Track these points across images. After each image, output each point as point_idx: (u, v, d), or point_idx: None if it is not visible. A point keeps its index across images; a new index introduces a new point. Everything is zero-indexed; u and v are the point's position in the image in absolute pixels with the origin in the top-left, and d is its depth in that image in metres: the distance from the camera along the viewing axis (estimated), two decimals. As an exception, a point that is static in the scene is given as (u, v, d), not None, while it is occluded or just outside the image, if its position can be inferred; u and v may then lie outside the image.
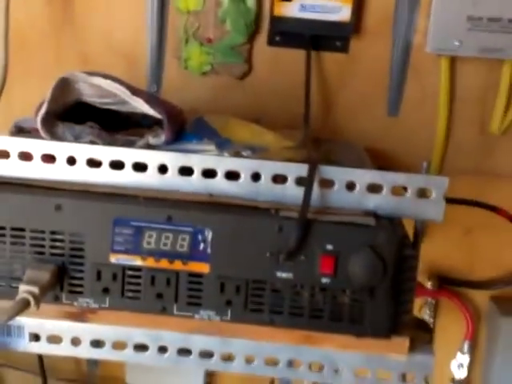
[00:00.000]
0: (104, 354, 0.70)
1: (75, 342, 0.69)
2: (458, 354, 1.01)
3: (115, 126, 0.71)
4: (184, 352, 0.69)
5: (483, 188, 0.95)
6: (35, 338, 0.70)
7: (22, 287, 0.62)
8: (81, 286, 0.65)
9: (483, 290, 1.00)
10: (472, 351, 1.01)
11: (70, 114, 0.67)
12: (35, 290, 0.62)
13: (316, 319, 0.65)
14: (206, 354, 0.69)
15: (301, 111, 0.89)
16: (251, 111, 0.95)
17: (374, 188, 0.64)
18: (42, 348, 0.70)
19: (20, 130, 0.68)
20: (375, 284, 0.63)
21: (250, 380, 1.01)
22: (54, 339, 0.70)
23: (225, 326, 0.66)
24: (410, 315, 0.65)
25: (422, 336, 0.70)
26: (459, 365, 1.01)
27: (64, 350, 0.70)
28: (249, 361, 0.68)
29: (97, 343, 0.69)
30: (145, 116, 0.69)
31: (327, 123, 0.97)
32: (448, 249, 1.00)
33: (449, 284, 1.01)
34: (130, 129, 0.72)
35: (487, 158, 0.95)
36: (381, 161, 0.90)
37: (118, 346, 0.69)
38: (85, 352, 0.70)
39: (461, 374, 1.01)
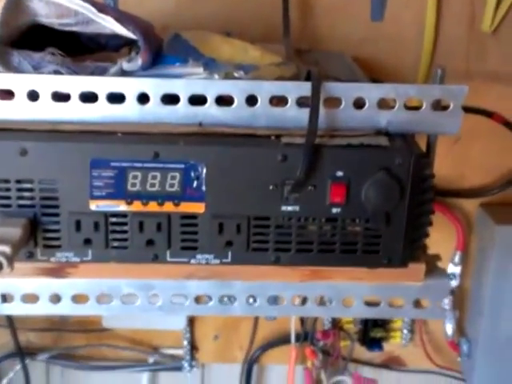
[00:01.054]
0: (88, 310, 0.62)
1: (54, 299, 0.62)
2: (450, 265, 0.98)
3: (77, 50, 0.61)
4: (178, 299, 0.62)
5: (475, 92, 0.88)
6: (7, 298, 0.61)
7: (-8, 248, 0.53)
8: (58, 239, 0.57)
9: (475, 198, 0.96)
10: (463, 262, 0.98)
11: (24, 39, 0.56)
12: (6, 249, 0.53)
13: (326, 253, 0.59)
14: (203, 299, 0.63)
15: (276, 21, 0.79)
16: (220, 23, 0.85)
17: (384, 103, 0.57)
18: (15, 309, 0.62)
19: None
20: (391, 210, 0.56)
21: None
22: (30, 298, 0.62)
23: (225, 269, 0.59)
24: (426, 239, 0.60)
25: (432, 258, 0.65)
26: (451, 275, 0.98)
27: (42, 309, 0.62)
28: (250, 302, 0.62)
29: (79, 298, 0.62)
30: (111, 37, 0.59)
31: (306, 32, 0.88)
32: (437, 159, 0.94)
33: (438, 195, 0.96)
34: (94, 53, 0.62)
35: (479, 60, 0.88)
36: (367, 70, 0.82)
37: (104, 299, 0.62)
38: (66, 309, 0.62)
39: (453, 284, 0.99)
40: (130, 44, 0.61)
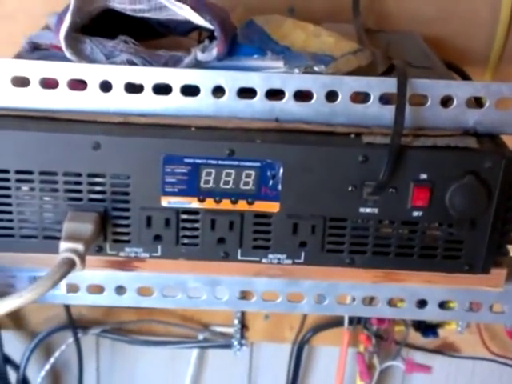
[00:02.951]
0: (153, 303, 0.61)
1: (119, 291, 0.61)
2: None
3: (146, 35, 0.59)
4: (245, 294, 0.61)
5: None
6: (72, 289, 0.61)
7: (64, 245, 0.52)
8: (127, 234, 0.56)
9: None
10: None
11: (94, 25, 0.54)
12: (79, 246, 0.52)
13: (403, 257, 0.56)
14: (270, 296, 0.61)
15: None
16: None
17: (472, 102, 0.54)
18: (80, 299, 0.61)
19: (35, 47, 0.55)
20: (477, 216, 0.54)
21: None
22: (95, 289, 0.61)
23: (296, 269, 0.57)
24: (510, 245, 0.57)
25: None
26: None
27: (106, 300, 0.61)
28: (319, 301, 0.61)
29: (144, 291, 0.61)
30: (182, 22, 0.56)
31: (373, 9, 0.83)
32: None
33: None
34: (163, 37, 0.59)
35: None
36: (436, 51, 0.78)
37: (169, 293, 0.61)
38: (131, 301, 0.61)
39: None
40: (199, 28, 0.58)
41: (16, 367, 0.98)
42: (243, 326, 1.04)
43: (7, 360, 0.97)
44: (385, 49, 0.70)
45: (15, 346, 1.01)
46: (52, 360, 1.00)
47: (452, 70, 0.73)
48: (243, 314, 1.03)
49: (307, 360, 1.06)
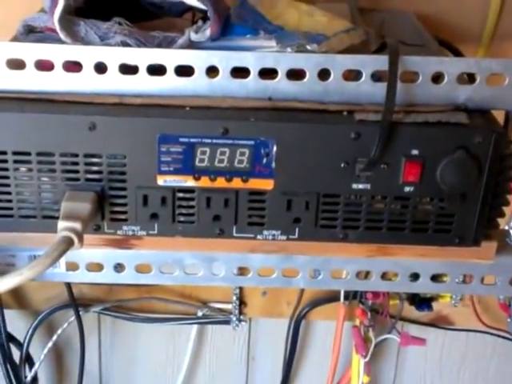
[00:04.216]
0: (151, 279, 0.63)
1: (118, 268, 0.62)
2: None
3: (139, 16, 0.59)
4: (241, 271, 0.62)
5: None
6: (72, 267, 0.62)
7: (62, 224, 0.53)
8: (125, 212, 0.57)
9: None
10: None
11: (89, 8, 0.54)
12: (77, 225, 0.53)
13: (395, 231, 0.57)
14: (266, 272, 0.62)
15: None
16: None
17: (463, 78, 0.54)
18: (80, 277, 0.63)
19: (30, 30, 0.56)
20: (468, 190, 0.55)
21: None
22: (94, 267, 0.62)
23: (291, 244, 0.59)
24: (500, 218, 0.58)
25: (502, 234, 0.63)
26: None
27: (106, 277, 0.63)
28: (314, 276, 0.62)
29: (142, 268, 0.62)
30: (175, 3, 0.57)
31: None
32: None
33: None
34: (157, 18, 0.60)
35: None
36: (430, 29, 0.79)
37: (167, 269, 0.62)
38: (129, 278, 0.62)
39: None
40: (192, 9, 0.59)
41: (19, 345, 0.99)
42: (241, 303, 1.05)
43: (11, 338, 0.98)
44: (378, 28, 0.70)
45: (18, 324, 1.02)
46: (54, 338, 1.02)
47: (445, 47, 0.74)
48: (241, 290, 1.04)
49: (304, 334, 1.08)
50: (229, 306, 1.05)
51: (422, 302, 1.02)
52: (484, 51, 0.86)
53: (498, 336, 1.04)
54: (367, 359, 0.95)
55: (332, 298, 1.02)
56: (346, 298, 0.99)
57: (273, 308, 1.06)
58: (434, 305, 1.03)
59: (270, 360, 1.10)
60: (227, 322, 1.06)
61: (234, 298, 1.04)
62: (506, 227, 0.62)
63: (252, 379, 1.11)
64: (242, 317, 1.06)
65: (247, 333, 1.09)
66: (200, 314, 1.06)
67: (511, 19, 0.84)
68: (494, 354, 1.09)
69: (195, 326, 1.08)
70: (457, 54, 0.77)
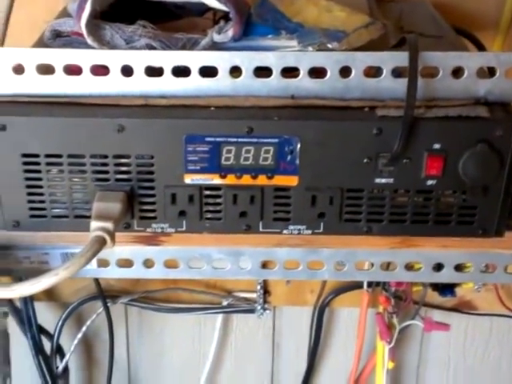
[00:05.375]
0: (180, 274, 0.64)
1: (147, 264, 0.64)
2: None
3: (162, 16, 0.60)
4: (267, 264, 0.63)
5: None
6: (103, 264, 0.64)
7: (94, 224, 0.54)
8: (153, 211, 0.58)
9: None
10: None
11: (114, 11, 0.56)
12: (108, 225, 0.54)
13: (419, 224, 0.58)
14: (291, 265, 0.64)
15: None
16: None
17: (483, 72, 0.55)
18: (111, 273, 0.65)
19: (57, 35, 0.57)
20: (490, 182, 0.55)
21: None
22: (124, 263, 0.64)
23: (316, 238, 0.60)
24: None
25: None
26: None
27: (136, 273, 0.64)
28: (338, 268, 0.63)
29: (171, 264, 0.64)
30: (197, 3, 0.58)
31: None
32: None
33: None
34: (179, 19, 0.61)
35: None
36: (447, 17, 0.79)
37: (195, 264, 0.64)
38: (159, 273, 0.64)
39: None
40: (211, 9, 0.60)
41: (50, 336, 1.02)
42: (265, 292, 1.07)
43: (42, 330, 1.01)
44: (397, 19, 0.71)
45: (48, 316, 1.05)
46: (84, 329, 1.04)
47: (463, 35, 0.74)
48: (265, 280, 1.06)
49: (328, 322, 1.09)
50: (253, 295, 1.07)
51: (445, 287, 1.03)
52: (502, 38, 0.86)
53: (522, 320, 1.05)
54: (391, 345, 0.96)
55: (355, 285, 1.03)
56: (370, 285, 1.00)
57: (297, 296, 1.07)
58: (457, 290, 1.04)
59: (294, 348, 1.11)
60: (252, 311, 1.08)
61: (259, 287, 1.05)
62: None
63: (278, 367, 1.13)
64: (266, 305, 1.07)
65: (272, 321, 1.11)
66: (225, 303, 1.08)
67: (530, 6, 0.84)
68: (518, 339, 1.10)
69: (220, 316, 1.09)
70: (475, 42, 0.77)
